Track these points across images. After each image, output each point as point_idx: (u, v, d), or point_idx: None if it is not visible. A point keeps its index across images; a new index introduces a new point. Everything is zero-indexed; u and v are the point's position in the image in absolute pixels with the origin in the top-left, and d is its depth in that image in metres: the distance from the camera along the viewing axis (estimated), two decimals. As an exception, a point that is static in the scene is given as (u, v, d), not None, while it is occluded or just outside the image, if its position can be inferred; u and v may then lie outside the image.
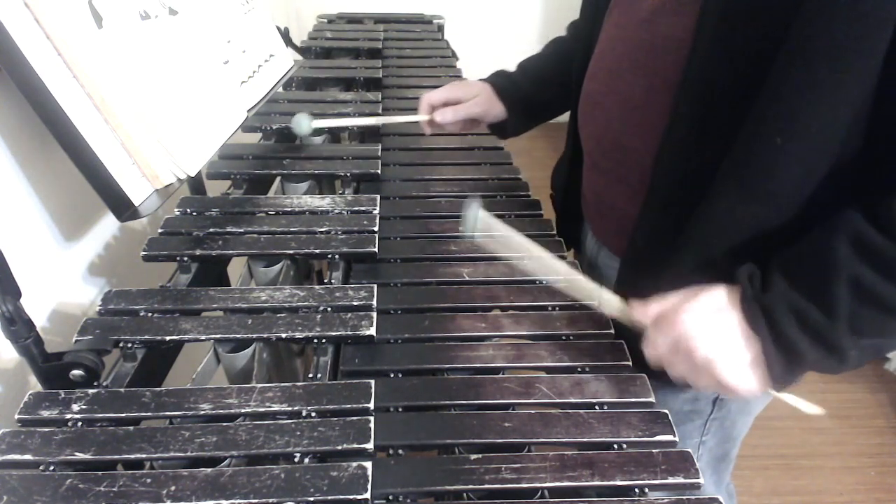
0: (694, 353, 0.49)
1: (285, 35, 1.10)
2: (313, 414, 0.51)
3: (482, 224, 0.54)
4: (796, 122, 0.48)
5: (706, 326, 0.49)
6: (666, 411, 0.53)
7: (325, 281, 0.69)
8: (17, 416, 0.51)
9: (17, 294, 0.52)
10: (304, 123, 0.88)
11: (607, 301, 0.56)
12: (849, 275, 0.46)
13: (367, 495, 0.45)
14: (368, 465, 0.47)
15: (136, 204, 0.61)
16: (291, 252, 0.70)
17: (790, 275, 0.49)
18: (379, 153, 0.92)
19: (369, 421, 0.50)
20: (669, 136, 0.57)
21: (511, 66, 0.91)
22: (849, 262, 0.46)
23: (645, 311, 0.53)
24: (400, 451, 0.50)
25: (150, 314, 0.61)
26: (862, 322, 0.47)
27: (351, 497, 0.45)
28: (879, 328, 0.47)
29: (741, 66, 0.49)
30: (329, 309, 0.62)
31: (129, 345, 0.58)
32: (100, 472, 0.46)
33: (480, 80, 0.90)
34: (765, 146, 0.50)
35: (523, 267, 0.59)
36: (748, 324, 0.49)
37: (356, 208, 0.78)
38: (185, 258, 0.68)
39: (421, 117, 0.86)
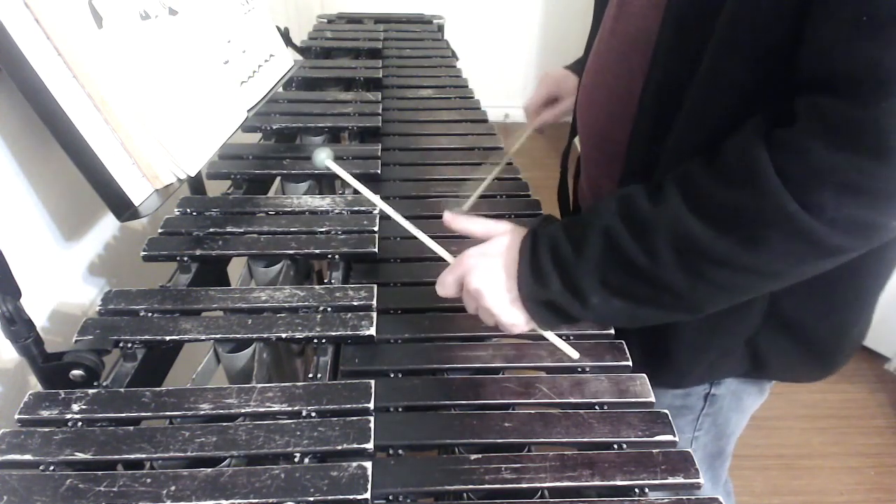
0: (468, 285, 0.55)
1: (285, 35, 1.10)
2: (313, 414, 0.51)
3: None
4: (703, 117, 0.51)
5: (482, 264, 0.55)
6: (666, 411, 0.53)
7: (325, 281, 0.69)
8: (17, 416, 0.51)
9: (17, 294, 0.52)
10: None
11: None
12: (604, 224, 0.50)
13: (367, 495, 0.45)
14: (368, 465, 0.47)
15: (136, 204, 0.61)
16: (291, 252, 0.70)
17: (567, 223, 0.54)
18: (379, 153, 0.92)
19: (369, 421, 0.50)
20: (637, 126, 0.58)
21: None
22: (608, 216, 0.51)
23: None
24: (400, 452, 0.50)
25: (150, 314, 0.61)
26: (609, 274, 0.50)
27: (351, 497, 0.45)
28: (628, 288, 0.51)
29: (690, 64, 0.50)
30: (329, 309, 0.62)
31: (129, 345, 0.58)
32: (100, 472, 0.46)
33: (566, 67, 0.92)
34: (686, 142, 0.53)
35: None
36: (518, 251, 0.54)
37: (356, 208, 0.78)
38: (185, 258, 0.68)
39: (528, 132, 0.92)
